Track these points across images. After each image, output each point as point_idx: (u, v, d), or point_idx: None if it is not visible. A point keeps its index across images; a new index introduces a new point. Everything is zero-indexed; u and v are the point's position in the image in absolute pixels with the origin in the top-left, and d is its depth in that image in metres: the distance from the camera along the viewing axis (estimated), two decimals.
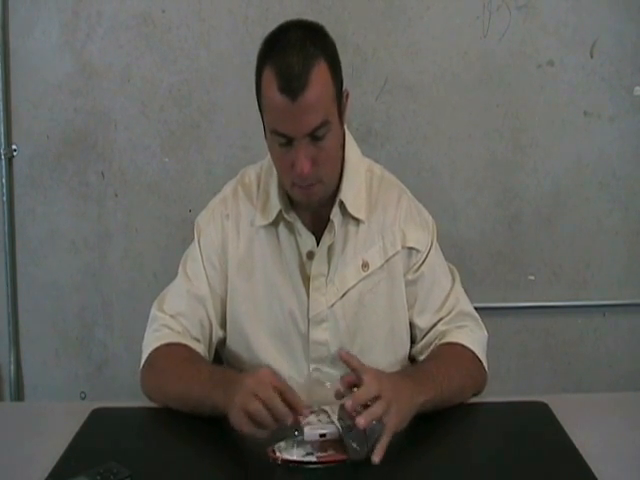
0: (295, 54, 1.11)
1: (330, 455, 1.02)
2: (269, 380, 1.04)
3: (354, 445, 1.01)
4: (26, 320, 2.17)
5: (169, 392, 1.20)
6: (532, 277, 2.13)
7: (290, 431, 1.05)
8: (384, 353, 1.30)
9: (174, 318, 1.28)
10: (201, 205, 2.09)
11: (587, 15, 2.00)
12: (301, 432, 1.03)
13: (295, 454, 1.03)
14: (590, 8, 2.00)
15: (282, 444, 1.04)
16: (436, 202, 1.95)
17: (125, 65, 2.04)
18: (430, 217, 1.35)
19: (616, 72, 2.03)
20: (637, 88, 2.03)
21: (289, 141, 1.13)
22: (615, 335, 2.17)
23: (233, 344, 1.32)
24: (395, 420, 1.04)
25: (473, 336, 1.28)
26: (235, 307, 1.30)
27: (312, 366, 1.28)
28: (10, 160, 2.09)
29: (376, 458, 1.00)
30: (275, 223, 1.27)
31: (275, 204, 1.26)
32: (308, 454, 1.03)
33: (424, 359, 1.28)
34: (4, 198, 2.09)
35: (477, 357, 1.27)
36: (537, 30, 2.01)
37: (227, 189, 1.35)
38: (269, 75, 1.12)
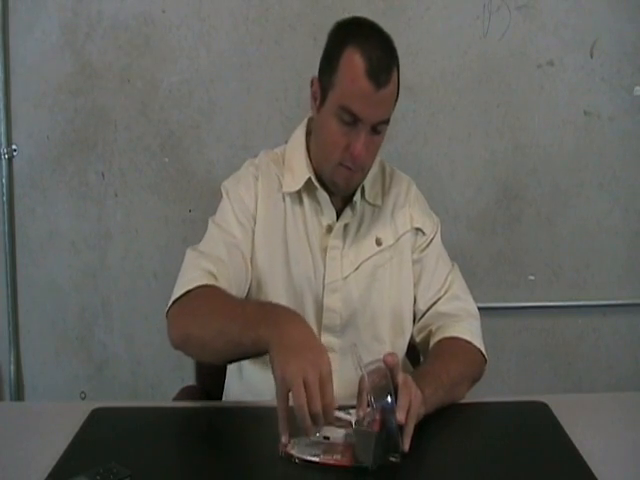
0: (382, 49, 1.21)
1: (334, 459, 1.02)
2: (320, 372, 0.98)
3: (364, 452, 1.00)
4: (26, 320, 2.17)
5: (207, 326, 1.14)
6: (532, 277, 2.13)
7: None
8: (391, 325, 1.35)
9: (209, 259, 1.26)
10: (201, 205, 2.10)
11: (587, 15, 2.00)
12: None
13: (305, 452, 1.02)
14: (590, 8, 2.00)
15: (296, 440, 1.03)
16: (436, 202, 1.95)
17: (125, 65, 2.04)
18: (435, 216, 1.43)
19: (616, 72, 2.03)
20: (637, 88, 2.04)
21: (354, 123, 1.20)
22: (615, 335, 2.17)
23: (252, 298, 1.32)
24: (419, 406, 1.06)
25: (468, 327, 1.33)
26: (258, 264, 1.31)
27: (323, 334, 1.31)
28: (10, 160, 2.09)
29: (406, 446, 1.02)
30: (300, 193, 1.33)
31: (304, 172, 1.31)
32: (315, 455, 1.02)
33: (422, 362, 1.32)
34: (4, 198, 2.09)
35: (474, 346, 1.31)
36: (537, 30, 2.01)
37: (255, 159, 1.38)
38: (355, 55, 1.19)
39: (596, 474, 1.00)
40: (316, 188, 1.31)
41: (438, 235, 1.41)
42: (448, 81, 2.03)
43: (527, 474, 1.03)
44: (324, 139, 1.27)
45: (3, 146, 2.07)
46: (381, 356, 1.06)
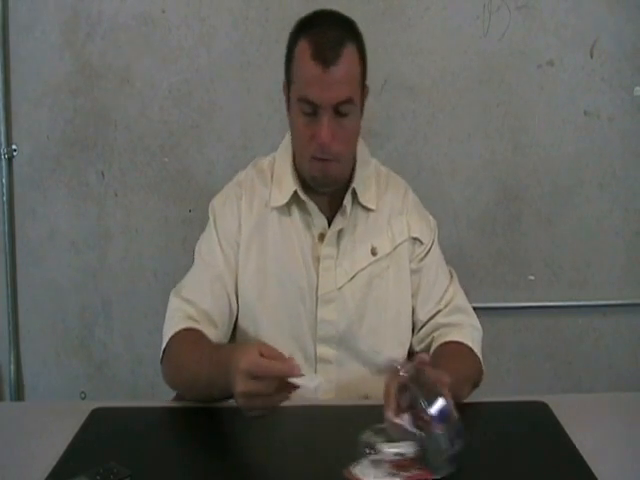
0: (331, 30, 1.20)
1: (416, 475, 0.98)
2: (249, 375, 1.01)
3: (437, 455, 0.98)
4: (26, 320, 2.17)
5: (184, 376, 1.20)
6: (532, 277, 2.13)
7: (362, 450, 1.00)
8: (391, 336, 1.34)
9: (191, 303, 1.28)
10: (201, 205, 2.09)
11: (587, 15, 2.00)
12: (375, 451, 1.00)
13: (373, 475, 0.98)
14: (590, 8, 2.00)
15: (357, 465, 0.99)
16: (436, 202, 1.95)
17: (125, 65, 2.04)
18: (432, 218, 1.41)
19: (616, 72, 2.03)
20: (637, 88, 2.03)
21: (314, 111, 1.19)
22: (615, 335, 2.17)
23: (241, 320, 1.33)
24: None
25: (469, 334, 1.33)
26: (244, 283, 1.31)
27: (318, 346, 1.30)
28: (10, 160, 2.09)
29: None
30: (288, 205, 1.31)
31: (290, 185, 1.30)
32: (391, 475, 0.97)
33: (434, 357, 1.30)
34: (4, 198, 2.09)
35: (474, 353, 1.31)
36: (537, 30, 2.01)
37: (241, 175, 1.38)
38: (304, 45, 1.20)
39: (596, 474, 1.00)
40: (304, 201, 1.29)
41: (436, 241, 1.39)
42: (448, 81, 2.03)
43: (527, 474, 1.03)
44: (294, 136, 1.27)
45: (3, 146, 2.07)
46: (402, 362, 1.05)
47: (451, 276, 1.39)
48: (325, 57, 1.16)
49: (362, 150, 1.34)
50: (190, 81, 2.05)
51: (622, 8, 2.00)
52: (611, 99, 2.04)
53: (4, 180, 2.08)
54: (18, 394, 2.19)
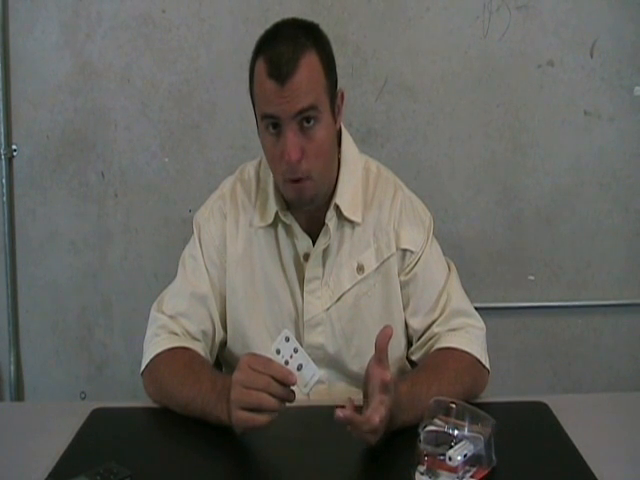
0: (286, 43, 1.16)
1: (479, 472, 0.98)
2: (248, 365, 1.04)
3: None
4: (26, 320, 2.17)
5: (173, 400, 1.20)
6: (532, 277, 2.13)
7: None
8: None
9: (174, 319, 1.28)
10: (201, 205, 2.09)
11: (587, 15, 2.00)
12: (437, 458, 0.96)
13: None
14: (590, 8, 2.00)
15: (424, 476, 0.96)
16: (436, 202, 1.96)
17: (125, 65, 2.04)
18: (427, 213, 1.34)
19: (616, 72, 2.03)
20: (637, 88, 2.03)
21: (279, 127, 1.15)
22: (615, 335, 2.17)
23: (232, 344, 1.32)
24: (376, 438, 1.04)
25: (468, 337, 1.26)
26: (235, 306, 1.30)
27: None
28: (10, 160, 2.09)
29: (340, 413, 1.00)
30: (274, 224, 1.28)
31: (272, 205, 1.27)
32: (460, 478, 0.97)
33: (418, 369, 1.25)
34: (4, 198, 2.09)
35: (475, 358, 1.24)
36: (537, 30, 2.01)
37: (226, 185, 1.35)
38: (260, 64, 1.17)
39: (596, 474, 1.01)
40: (288, 223, 1.26)
41: (431, 238, 1.31)
42: (448, 81, 2.03)
43: (527, 474, 1.03)
44: (267, 159, 1.22)
45: (3, 146, 2.07)
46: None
47: (449, 270, 1.33)
48: (280, 72, 1.12)
49: (348, 156, 1.28)
50: (190, 81, 2.05)
51: (622, 8, 2.00)
52: (611, 99, 2.04)
53: (4, 180, 2.08)
54: (18, 394, 2.20)
